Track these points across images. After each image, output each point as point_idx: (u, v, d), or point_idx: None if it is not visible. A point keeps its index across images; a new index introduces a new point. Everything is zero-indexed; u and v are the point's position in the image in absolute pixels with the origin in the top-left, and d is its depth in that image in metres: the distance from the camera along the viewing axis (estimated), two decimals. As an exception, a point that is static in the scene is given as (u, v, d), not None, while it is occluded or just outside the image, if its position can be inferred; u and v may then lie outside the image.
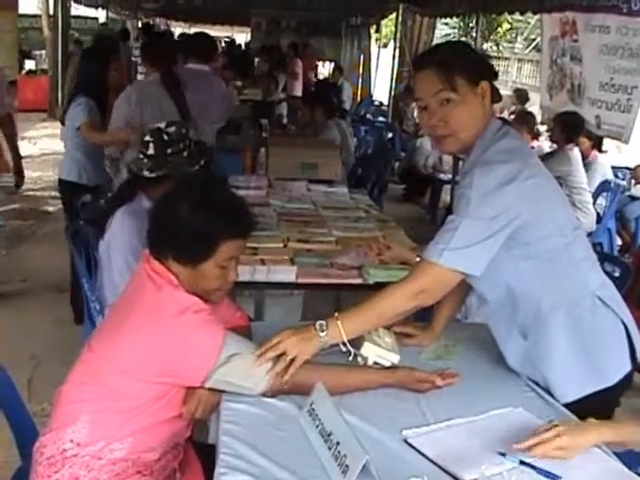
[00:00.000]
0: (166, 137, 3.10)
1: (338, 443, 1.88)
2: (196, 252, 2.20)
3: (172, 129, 3.13)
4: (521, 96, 11.59)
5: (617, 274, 3.78)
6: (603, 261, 3.64)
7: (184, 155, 3.11)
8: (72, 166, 5.20)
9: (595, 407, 2.32)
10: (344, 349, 2.32)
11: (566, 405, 2.35)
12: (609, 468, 1.97)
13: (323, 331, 2.24)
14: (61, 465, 2.12)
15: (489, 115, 2.41)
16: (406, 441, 2.04)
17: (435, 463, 1.93)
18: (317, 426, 2.00)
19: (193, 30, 17.95)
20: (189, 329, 2.11)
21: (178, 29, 23.69)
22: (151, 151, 3.10)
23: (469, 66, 2.35)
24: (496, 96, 2.44)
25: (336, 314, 2.30)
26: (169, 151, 3.10)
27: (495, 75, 2.42)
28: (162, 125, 3.16)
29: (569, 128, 6.69)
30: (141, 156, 3.13)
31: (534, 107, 9.82)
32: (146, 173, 3.07)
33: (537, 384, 2.45)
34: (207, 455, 2.20)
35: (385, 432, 2.08)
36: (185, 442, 2.40)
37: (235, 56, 7.26)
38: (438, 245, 2.25)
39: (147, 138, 3.13)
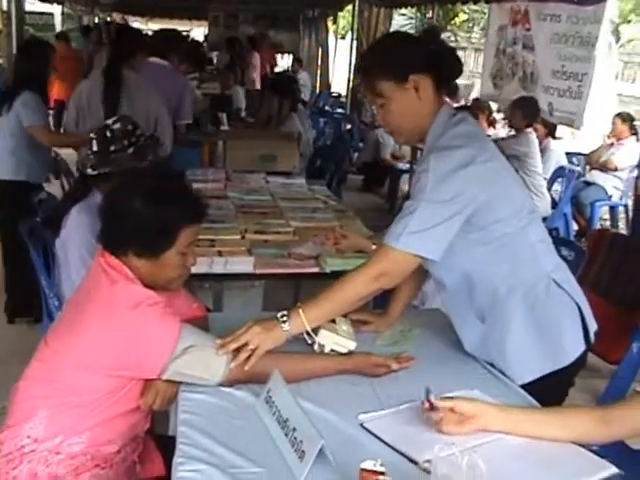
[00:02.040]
0: (109, 134, 3.08)
1: (294, 429, 1.89)
2: (158, 243, 2.20)
3: (117, 125, 3.11)
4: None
5: (571, 258, 3.85)
6: (558, 245, 3.71)
7: (129, 152, 3.08)
8: (18, 165, 4.97)
9: (550, 387, 2.38)
10: (308, 339, 2.33)
11: (523, 386, 2.38)
12: (570, 449, 2.01)
13: (285, 321, 2.25)
14: (19, 461, 2.12)
15: (433, 104, 2.40)
16: (362, 425, 2.06)
17: (390, 446, 1.95)
18: (274, 413, 2.01)
19: (150, 25, 17.85)
20: (144, 322, 2.11)
21: (135, 24, 23.49)
22: (95, 148, 3.07)
23: (391, 66, 2.35)
24: (446, 86, 2.46)
25: (298, 304, 2.31)
26: (112, 148, 3.06)
27: (434, 65, 2.38)
28: (110, 121, 3.15)
29: (529, 113, 6.76)
30: (88, 153, 3.12)
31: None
32: (89, 170, 3.04)
33: (493, 366, 2.48)
34: (168, 446, 2.19)
35: (341, 417, 2.09)
36: (145, 434, 2.40)
37: (189, 49, 7.33)
38: (397, 229, 2.26)
39: (92, 135, 3.11)
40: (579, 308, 2.47)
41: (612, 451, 2.16)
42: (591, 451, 2.01)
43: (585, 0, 6.22)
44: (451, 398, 2.01)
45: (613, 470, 1.91)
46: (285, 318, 2.25)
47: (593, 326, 2.49)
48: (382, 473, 1.61)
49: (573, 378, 2.55)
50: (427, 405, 1.98)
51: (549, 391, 2.34)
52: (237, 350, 2.18)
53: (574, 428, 2.03)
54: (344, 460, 1.79)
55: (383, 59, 2.40)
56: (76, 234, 3.09)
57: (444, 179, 2.24)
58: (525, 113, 6.75)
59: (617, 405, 2.08)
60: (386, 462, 1.65)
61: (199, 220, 2.29)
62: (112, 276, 2.16)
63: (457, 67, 2.47)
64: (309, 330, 2.29)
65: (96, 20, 19.13)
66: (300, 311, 2.27)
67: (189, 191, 2.34)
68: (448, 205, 2.25)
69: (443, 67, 2.40)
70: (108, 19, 18.79)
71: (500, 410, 2.06)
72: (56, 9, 17.89)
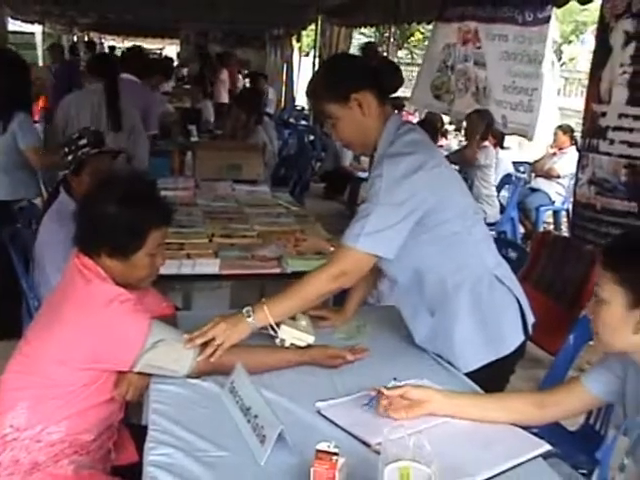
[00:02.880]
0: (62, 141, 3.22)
1: (256, 416, 1.94)
2: (128, 245, 2.22)
3: (76, 135, 3.20)
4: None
5: (515, 257, 3.93)
6: (503, 246, 3.79)
7: (68, 159, 3.18)
8: (12, 184, 4.76)
9: (493, 375, 2.44)
10: (272, 333, 2.37)
11: (469, 373, 2.44)
12: (509, 430, 2.08)
13: (250, 316, 2.28)
14: (2, 449, 2.14)
15: (379, 117, 2.45)
16: (319, 412, 2.10)
17: (345, 430, 2.00)
18: (237, 402, 2.05)
19: (126, 43, 17.84)
20: (117, 318, 2.13)
21: (112, 42, 23.40)
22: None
23: (333, 89, 2.41)
24: (389, 97, 2.51)
25: (263, 299, 2.35)
26: (62, 153, 3.21)
27: (374, 80, 2.43)
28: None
29: (484, 126, 6.87)
30: None
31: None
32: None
33: (440, 357, 2.53)
34: (140, 435, 2.21)
35: (299, 405, 2.14)
36: (119, 423, 2.42)
37: (160, 64, 7.60)
38: (354, 231, 2.31)
39: None
40: (519, 302, 2.54)
41: (548, 431, 2.24)
42: (533, 433, 2.07)
43: (530, 21, 6.31)
44: (401, 387, 2.07)
45: (547, 447, 1.98)
46: (250, 313, 2.29)
47: (531, 319, 2.56)
48: (336, 454, 1.65)
49: (514, 366, 2.61)
50: (377, 393, 2.04)
51: (492, 378, 2.40)
52: (205, 344, 2.22)
53: (513, 411, 2.10)
54: (302, 444, 1.83)
55: (325, 83, 2.47)
56: (50, 239, 3.12)
57: (396, 183, 2.29)
58: (480, 126, 6.86)
59: (552, 390, 2.16)
60: (341, 445, 1.68)
61: (167, 223, 2.32)
62: (86, 276, 2.18)
63: (397, 79, 2.53)
64: (272, 324, 2.33)
65: (75, 39, 19.05)
66: (265, 307, 2.31)
67: (157, 196, 2.37)
68: (401, 208, 2.30)
69: (383, 81, 2.45)
70: (86, 39, 18.72)
71: (446, 396, 2.12)
72: (37, 29, 17.76)
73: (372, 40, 21.85)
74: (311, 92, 2.52)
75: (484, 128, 6.89)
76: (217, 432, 1.98)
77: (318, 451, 1.66)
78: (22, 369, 2.18)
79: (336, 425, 2.03)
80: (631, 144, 4.57)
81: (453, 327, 2.48)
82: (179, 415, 2.06)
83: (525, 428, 2.09)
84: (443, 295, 2.48)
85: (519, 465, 1.89)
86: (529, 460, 1.92)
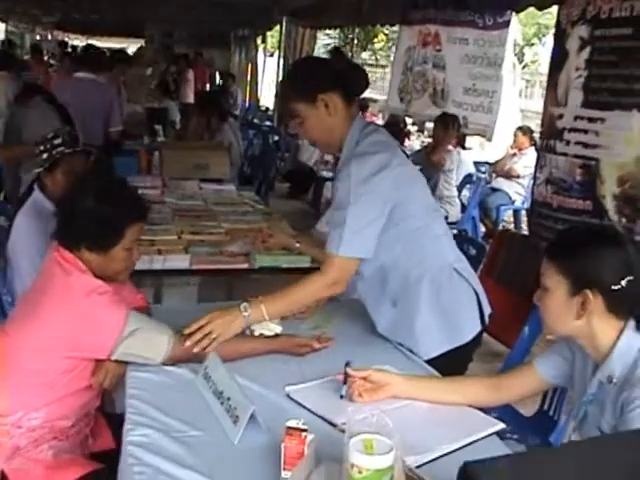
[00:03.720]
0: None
1: (229, 399, 2.05)
2: (107, 239, 2.34)
3: (51, 134, 3.31)
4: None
5: (474, 253, 4.09)
6: (463, 242, 3.95)
7: (42, 157, 3.26)
8: None
9: (452, 362, 2.59)
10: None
11: (429, 361, 2.58)
12: (467, 411, 2.22)
13: (247, 312, 2.40)
14: None
15: (344, 117, 2.57)
16: (288, 395, 2.23)
17: (312, 412, 2.12)
18: (211, 387, 2.17)
19: (90, 42, 17.77)
20: (95, 308, 2.24)
21: (75, 41, 23.25)
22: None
23: (300, 90, 2.55)
24: (354, 99, 2.62)
25: (260, 297, 2.46)
26: (36, 151, 3.28)
27: (340, 82, 2.55)
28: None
29: (450, 129, 7.03)
30: None
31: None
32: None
33: (402, 346, 2.67)
34: (116, 423, 2.31)
35: (270, 389, 2.26)
36: (95, 411, 2.53)
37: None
38: (334, 239, 2.45)
39: None
40: (476, 294, 2.69)
41: (506, 416, 2.39)
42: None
43: (490, 25, 6.51)
44: (365, 370, 2.21)
45: (502, 425, 2.13)
46: (247, 309, 2.41)
47: (487, 310, 2.71)
48: (305, 430, 1.78)
49: (471, 354, 2.76)
50: (342, 377, 2.18)
51: (451, 365, 2.54)
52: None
53: (469, 394, 2.25)
54: (272, 424, 1.95)
55: (293, 84, 2.62)
56: (23, 237, 3.19)
57: (365, 182, 2.42)
58: (447, 130, 7.02)
59: (506, 374, 2.31)
60: (309, 425, 1.80)
61: (143, 219, 2.44)
62: (66, 268, 2.29)
63: (362, 82, 2.66)
64: (268, 321, 2.46)
65: (37, 37, 18.97)
66: (262, 306, 2.43)
67: (134, 193, 2.49)
68: (372, 206, 2.45)
69: (349, 83, 2.58)
70: (49, 37, 18.68)
71: (407, 380, 2.26)
72: (0, 26, 17.69)
73: (337, 42, 22.07)
74: (280, 92, 2.67)
75: (455, 134, 7.06)
76: (192, 414, 2.09)
77: (288, 427, 1.78)
78: (1, 360, 2.28)
79: (304, 407, 2.15)
80: (585, 145, 4.75)
81: (414, 317, 2.61)
82: (155, 399, 2.17)
83: (484, 411, 2.24)
84: (405, 287, 2.62)
85: (476, 442, 2.04)
86: (486, 437, 2.07)
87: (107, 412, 2.65)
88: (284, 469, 1.77)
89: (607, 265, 1.89)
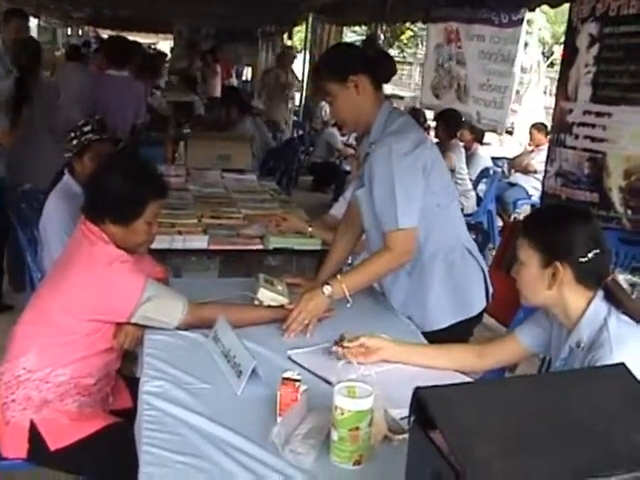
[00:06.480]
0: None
1: (234, 356, 2.28)
2: (130, 213, 2.56)
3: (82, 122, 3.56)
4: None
5: (480, 240, 4.29)
6: (470, 230, 4.14)
7: (73, 143, 3.50)
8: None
9: (458, 333, 2.82)
10: (252, 295, 2.78)
11: (438, 330, 2.81)
12: (453, 375, 2.42)
13: (328, 292, 2.63)
14: (16, 387, 2.48)
15: (373, 100, 2.77)
16: (289, 357, 2.45)
17: (311, 372, 2.34)
18: (219, 348, 2.40)
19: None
20: (117, 275, 2.48)
21: (105, 36, 23.55)
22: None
23: (334, 69, 2.75)
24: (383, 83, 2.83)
25: (338, 276, 2.70)
26: (68, 137, 3.52)
27: (370, 67, 2.74)
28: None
29: (451, 124, 7.21)
30: None
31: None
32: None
33: (411, 319, 2.87)
34: (134, 386, 2.52)
35: (273, 351, 2.48)
36: (116, 373, 2.77)
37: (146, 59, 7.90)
38: (390, 218, 2.65)
39: None
40: (483, 272, 2.92)
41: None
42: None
43: (505, 23, 6.68)
44: (358, 337, 2.42)
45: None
46: (329, 288, 2.63)
47: (490, 289, 2.94)
48: (298, 380, 2.01)
49: (473, 328, 3.00)
50: (338, 347, 2.40)
51: (457, 336, 2.76)
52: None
53: (456, 360, 2.46)
54: (273, 380, 2.14)
55: (326, 65, 2.83)
56: (54, 217, 3.44)
57: (406, 156, 2.64)
58: (447, 125, 7.19)
59: (490, 342, 2.52)
60: (307, 383, 2.03)
61: (163, 196, 2.67)
62: (92, 239, 2.53)
63: (391, 68, 2.86)
64: (347, 296, 2.65)
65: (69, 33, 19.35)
66: (343, 284, 2.64)
67: (155, 173, 2.72)
68: (414, 177, 2.66)
69: (378, 68, 2.79)
70: (80, 32, 19.04)
71: (398, 344, 2.48)
72: (32, 22, 18.00)
73: (369, 35, 22.13)
74: (315, 72, 2.87)
75: (447, 128, 7.20)
76: (201, 370, 2.32)
77: (284, 378, 2.02)
78: (33, 320, 2.53)
79: (303, 368, 2.37)
80: (593, 139, 4.94)
81: (428, 291, 2.84)
82: (169, 358, 2.40)
83: (465, 373, 2.45)
84: (420, 261, 2.83)
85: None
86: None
87: (126, 375, 2.89)
88: (279, 415, 2.00)
89: (575, 239, 2.09)
